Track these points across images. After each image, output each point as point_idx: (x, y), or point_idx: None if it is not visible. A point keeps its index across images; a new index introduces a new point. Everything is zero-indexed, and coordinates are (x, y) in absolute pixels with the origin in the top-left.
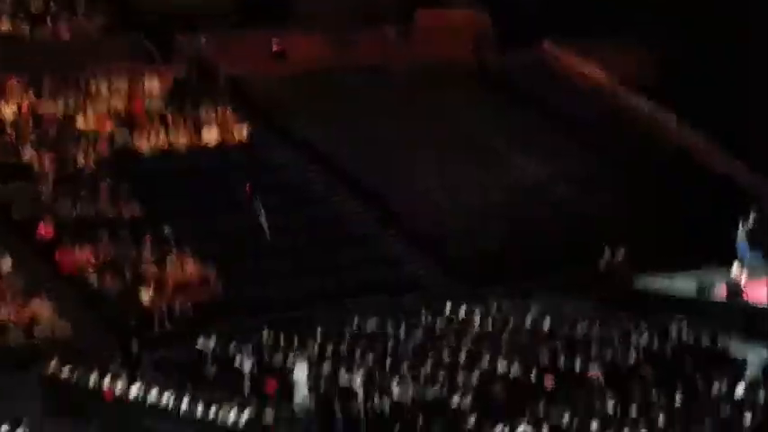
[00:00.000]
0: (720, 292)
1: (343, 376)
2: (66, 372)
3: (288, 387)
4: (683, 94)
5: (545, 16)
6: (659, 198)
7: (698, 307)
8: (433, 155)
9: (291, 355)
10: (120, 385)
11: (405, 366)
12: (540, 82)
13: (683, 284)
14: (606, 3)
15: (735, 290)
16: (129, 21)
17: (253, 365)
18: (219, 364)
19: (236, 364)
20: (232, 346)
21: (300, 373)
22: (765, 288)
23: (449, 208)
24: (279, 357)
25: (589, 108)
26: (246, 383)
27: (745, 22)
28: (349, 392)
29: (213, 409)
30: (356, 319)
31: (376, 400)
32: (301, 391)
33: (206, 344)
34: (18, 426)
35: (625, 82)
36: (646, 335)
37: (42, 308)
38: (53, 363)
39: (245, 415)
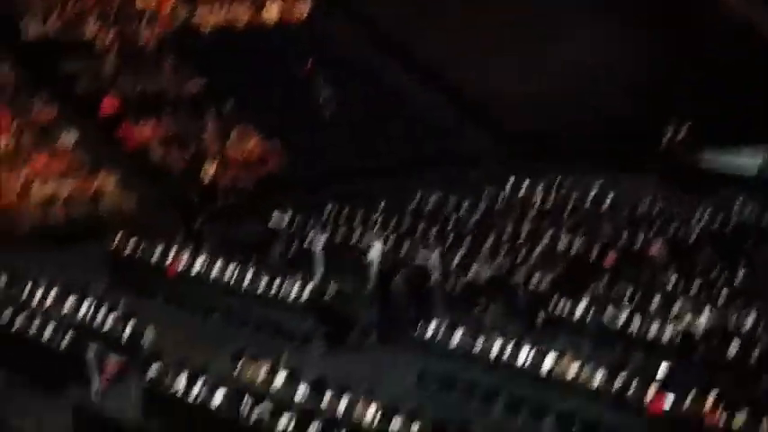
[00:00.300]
0: None
1: (408, 252)
2: (130, 246)
3: (354, 262)
4: None
5: None
6: (723, 73)
7: (761, 184)
8: (494, 30)
9: (359, 231)
10: (183, 260)
11: (467, 242)
12: None
13: (746, 161)
14: None
15: None
16: None
17: (323, 242)
18: (288, 240)
19: (307, 242)
20: (298, 220)
21: (375, 252)
22: None
23: (510, 82)
24: (344, 232)
25: None
26: (317, 260)
27: None
28: (414, 268)
29: (276, 283)
30: (418, 194)
31: (439, 275)
32: (374, 270)
33: (278, 220)
34: (84, 299)
35: None
36: (708, 212)
37: (107, 182)
38: (118, 237)
39: (308, 289)
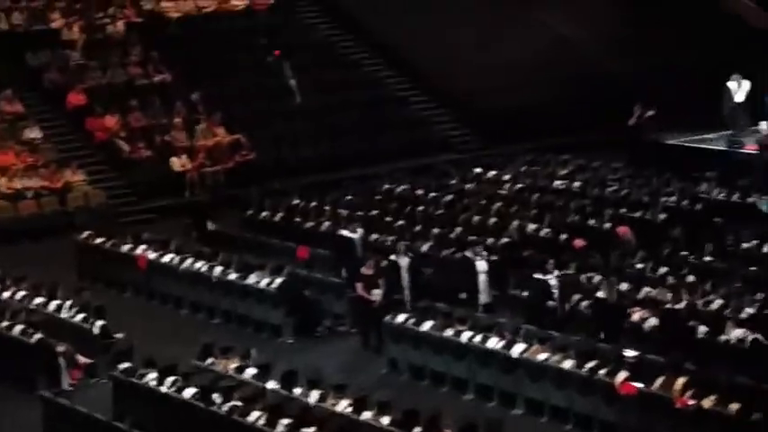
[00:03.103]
0: (750, 147)
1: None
2: (99, 239)
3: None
4: None
5: None
6: (692, 57)
7: (727, 162)
8: (460, 16)
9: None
10: (152, 253)
11: (435, 228)
12: None
13: (713, 141)
14: None
15: (764, 143)
16: None
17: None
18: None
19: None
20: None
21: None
22: None
23: (478, 70)
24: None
25: None
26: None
27: None
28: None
29: (247, 274)
30: (385, 181)
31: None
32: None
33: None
34: (53, 293)
35: None
36: (676, 192)
37: (75, 176)
38: (86, 230)
39: (279, 280)
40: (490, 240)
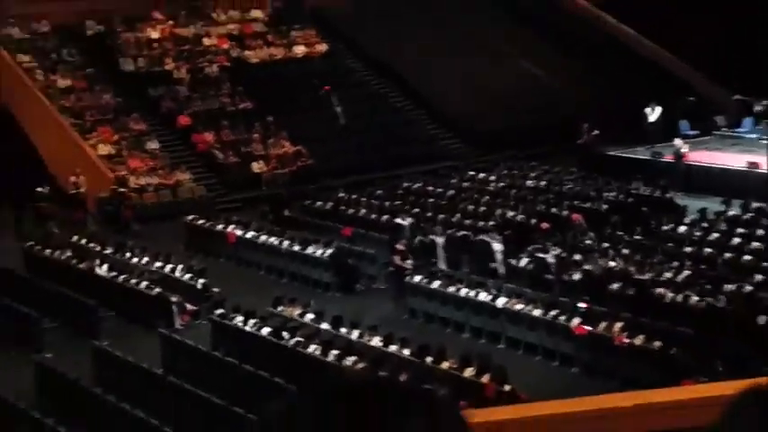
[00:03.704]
0: (668, 157)
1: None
2: (200, 221)
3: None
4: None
5: None
6: (627, 92)
7: (651, 168)
8: (459, 59)
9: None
10: (239, 231)
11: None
12: (541, 6)
13: (640, 153)
14: None
15: (678, 154)
16: None
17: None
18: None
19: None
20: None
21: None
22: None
23: (471, 97)
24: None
25: (575, 27)
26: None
27: None
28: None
29: (306, 246)
30: (404, 180)
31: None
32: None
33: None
34: (168, 260)
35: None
36: (614, 189)
37: (183, 176)
38: (192, 215)
39: (330, 250)
40: (481, 223)
